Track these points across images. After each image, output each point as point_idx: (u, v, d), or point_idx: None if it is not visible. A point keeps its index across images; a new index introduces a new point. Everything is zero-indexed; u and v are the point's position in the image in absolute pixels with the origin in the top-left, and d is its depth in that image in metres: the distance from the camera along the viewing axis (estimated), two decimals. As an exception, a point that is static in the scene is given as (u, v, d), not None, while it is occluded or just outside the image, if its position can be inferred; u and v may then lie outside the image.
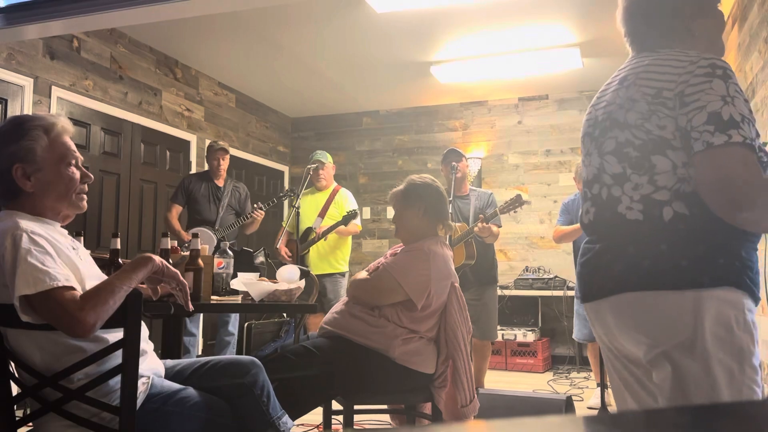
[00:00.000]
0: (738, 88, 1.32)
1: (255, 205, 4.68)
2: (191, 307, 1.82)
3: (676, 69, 1.36)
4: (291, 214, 4.36)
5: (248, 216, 4.67)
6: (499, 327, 4.29)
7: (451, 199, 3.69)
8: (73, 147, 1.73)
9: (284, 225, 4.58)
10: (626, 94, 1.43)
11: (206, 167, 4.96)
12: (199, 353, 4.96)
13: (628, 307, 1.38)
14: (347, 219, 4.50)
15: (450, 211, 3.32)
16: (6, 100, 4.18)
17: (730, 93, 1.30)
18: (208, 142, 5.92)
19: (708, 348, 1.28)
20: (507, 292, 5.99)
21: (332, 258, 4.63)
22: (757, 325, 1.33)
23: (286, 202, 7.11)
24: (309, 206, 4.73)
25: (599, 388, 3.92)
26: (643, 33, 1.53)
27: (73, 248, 1.68)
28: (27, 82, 4.30)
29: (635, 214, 1.38)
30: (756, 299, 1.34)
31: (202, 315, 4.82)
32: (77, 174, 1.71)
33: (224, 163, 4.75)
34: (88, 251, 1.82)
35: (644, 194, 1.37)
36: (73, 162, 1.71)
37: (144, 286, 1.84)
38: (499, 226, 4.05)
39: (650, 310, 1.34)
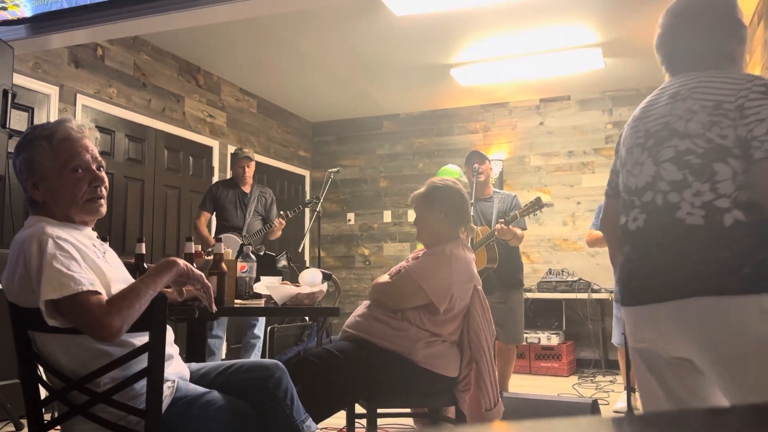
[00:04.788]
0: None
1: (280, 213, 4.70)
2: (215, 308, 1.83)
3: (734, 85, 1.49)
4: (313, 218, 4.31)
5: (273, 223, 4.69)
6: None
7: (473, 201, 3.66)
8: (81, 151, 1.66)
9: None
10: (684, 106, 1.53)
11: (229, 172, 4.99)
12: (224, 356, 4.99)
13: (695, 312, 1.43)
14: None
15: (472, 213, 3.30)
16: (32, 109, 4.25)
17: None
18: (230, 147, 5.96)
19: None
20: (530, 295, 5.92)
21: None
22: None
23: (308, 209, 7.12)
24: None
25: (626, 392, 3.86)
26: (689, 57, 1.63)
27: (102, 251, 1.70)
28: (53, 91, 4.38)
29: (696, 219, 1.44)
30: None
31: (227, 318, 4.84)
32: (85, 179, 1.66)
33: (249, 171, 4.79)
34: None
35: (706, 201, 1.44)
36: (80, 166, 1.66)
37: (169, 290, 1.85)
38: (524, 229, 4.01)
39: (716, 315, 1.40)
